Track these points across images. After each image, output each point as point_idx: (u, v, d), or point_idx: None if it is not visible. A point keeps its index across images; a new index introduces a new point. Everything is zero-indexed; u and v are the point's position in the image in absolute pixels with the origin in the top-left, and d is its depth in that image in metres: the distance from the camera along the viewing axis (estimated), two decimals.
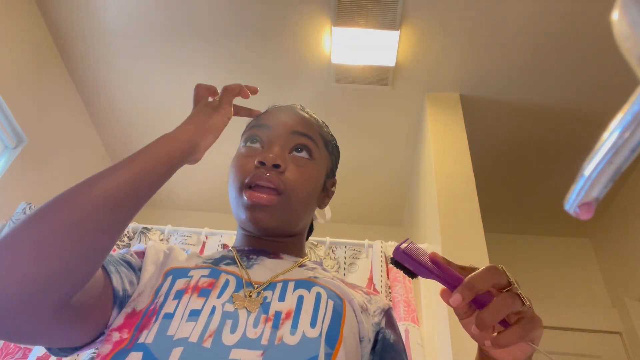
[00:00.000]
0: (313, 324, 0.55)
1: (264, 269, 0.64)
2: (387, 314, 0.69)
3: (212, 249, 1.73)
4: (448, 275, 0.52)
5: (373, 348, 0.64)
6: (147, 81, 2.22)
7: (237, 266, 0.64)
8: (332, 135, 0.82)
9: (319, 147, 0.73)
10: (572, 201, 0.30)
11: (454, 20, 1.87)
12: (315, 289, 0.60)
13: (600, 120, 2.15)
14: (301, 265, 0.69)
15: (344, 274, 1.70)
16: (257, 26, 1.97)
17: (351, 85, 2.12)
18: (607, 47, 1.88)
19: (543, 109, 2.15)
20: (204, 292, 0.57)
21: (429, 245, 1.80)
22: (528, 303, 0.47)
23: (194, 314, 0.54)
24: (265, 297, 0.58)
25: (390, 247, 1.72)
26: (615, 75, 1.97)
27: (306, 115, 0.78)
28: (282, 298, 0.58)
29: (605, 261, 2.62)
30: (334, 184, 0.81)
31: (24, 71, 1.96)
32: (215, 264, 0.64)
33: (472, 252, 1.57)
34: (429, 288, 1.68)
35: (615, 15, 0.27)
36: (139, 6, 1.95)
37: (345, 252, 1.75)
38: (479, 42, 1.94)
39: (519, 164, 2.41)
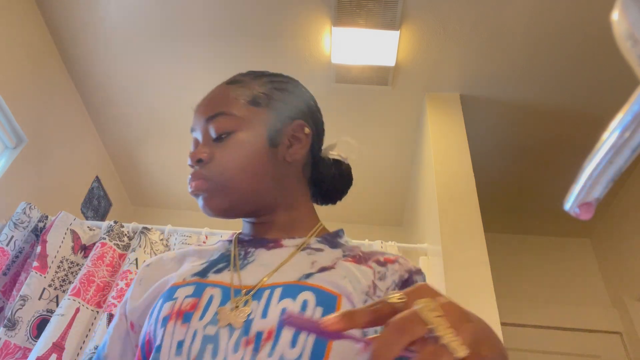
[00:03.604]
0: (294, 343, 0.51)
1: (258, 267, 0.62)
2: (405, 284, 0.62)
3: None
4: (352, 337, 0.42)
5: None
6: (147, 81, 2.22)
7: (230, 269, 0.62)
8: (266, 80, 0.75)
9: (238, 112, 0.68)
10: (572, 201, 0.30)
11: (454, 20, 1.87)
12: (302, 296, 0.55)
13: (600, 120, 2.15)
14: (304, 249, 0.65)
15: None
16: (257, 26, 1.97)
17: (351, 85, 2.12)
18: (607, 47, 1.88)
19: (543, 109, 2.15)
20: (186, 317, 0.55)
21: (429, 245, 1.80)
22: (464, 352, 0.34)
23: (180, 346, 0.53)
24: (250, 313, 0.55)
25: (390, 247, 1.72)
26: (615, 75, 1.97)
27: (219, 89, 0.73)
28: (264, 314, 0.54)
29: (605, 261, 2.62)
30: (299, 127, 0.71)
31: (24, 71, 1.96)
32: (204, 274, 0.62)
33: (472, 252, 1.57)
34: None
35: (615, 15, 0.27)
36: (139, 7, 1.95)
37: None
38: (479, 42, 1.94)
39: (519, 164, 2.41)
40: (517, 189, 2.55)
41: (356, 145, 0.84)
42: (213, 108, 0.69)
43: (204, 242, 1.78)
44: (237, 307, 0.55)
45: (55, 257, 1.63)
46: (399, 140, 2.36)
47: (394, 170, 2.51)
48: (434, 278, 1.63)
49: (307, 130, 0.72)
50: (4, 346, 1.42)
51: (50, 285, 1.58)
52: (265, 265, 0.62)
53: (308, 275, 0.58)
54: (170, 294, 0.59)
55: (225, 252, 0.67)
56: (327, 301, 0.55)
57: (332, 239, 0.69)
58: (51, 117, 2.13)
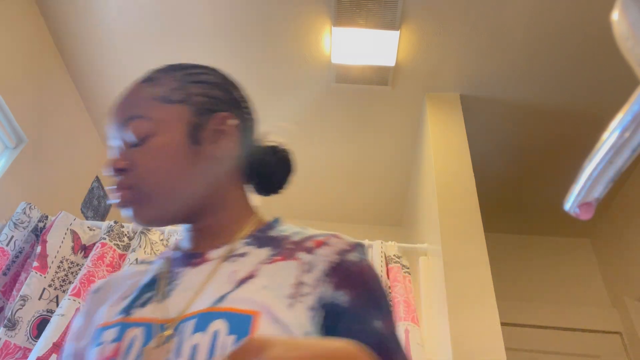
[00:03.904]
0: None
1: (183, 293, 0.56)
2: (336, 270, 0.57)
3: None
4: None
5: (327, 331, 0.54)
6: None
7: (155, 299, 0.57)
8: (179, 75, 0.68)
9: (154, 113, 0.63)
10: (572, 201, 0.30)
11: (454, 20, 1.87)
12: (213, 326, 0.50)
13: (600, 120, 2.15)
14: (229, 257, 0.59)
15: None
16: (257, 26, 1.97)
17: (351, 85, 2.12)
18: (607, 47, 1.88)
19: (543, 109, 2.15)
20: None
21: (429, 245, 1.80)
22: None
23: None
24: (172, 351, 0.51)
25: (390, 247, 1.72)
26: (615, 75, 1.97)
27: (132, 89, 0.68)
28: (178, 353, 0.50)
29: (605, 261, 2.62)
30: (222, 119, 0.65)
31: (24, 71, 1.96)
32: (129, 311, 0.57)
33: (472, 252, 1.57)
34: (429, 288, 1.68)
35: (615, 15, 0.27)
36: (140, 7, 1.95)
37: None
38: (479, 42, 1.94)
39: (519, 164, 2.41)
40: (517, 189, 2.55)
41: (284, 126, 0.78)
42: (127, 111, 0.64)
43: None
44: (160, 344, 0.51)
45: (55, 257, 1.63)
46: (399, 140, 2.36)
47: (394, 170, 2.51)
48: (434, 278, 1.63)
49: (231, 121, 0.66)
50: (4, 346, 1.42)
51: (50, 286, 1.58)
52: (190, 289, 0.57)
53: (222, 298, 0.53)
54: (97, 338, 0.56)
55: (157, 273, 0.62)
56: (241, 325, 0.50)
57: (262, 235, 0.64)
58: (51, 117, 2.13)
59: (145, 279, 0.63)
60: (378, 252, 1.67)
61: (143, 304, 0.58)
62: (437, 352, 1.48)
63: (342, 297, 0.55)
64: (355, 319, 0.54)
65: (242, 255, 0.60)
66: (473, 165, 1.85)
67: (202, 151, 0.63)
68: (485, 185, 2.11)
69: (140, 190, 0.60)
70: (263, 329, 0.50)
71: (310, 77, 2.12)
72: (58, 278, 1.61)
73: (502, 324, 1.40)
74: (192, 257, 0.62)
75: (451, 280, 1.49)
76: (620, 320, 2.41)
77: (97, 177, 2.47)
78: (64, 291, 1.60)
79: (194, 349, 0.49)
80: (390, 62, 1.99)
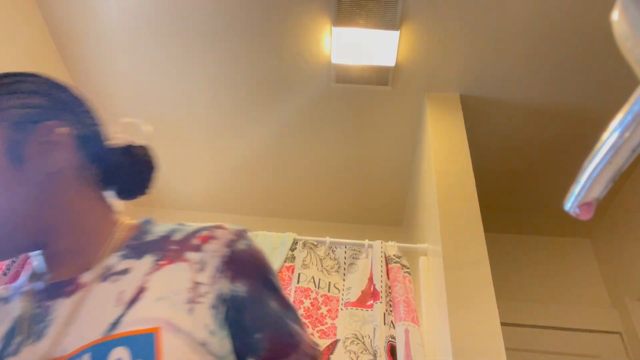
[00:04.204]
0: None
1: (63, 328, 0.50)
2: (228, 263, 0.56)
3: None
4: None
5: (233, 323, 0.54)
6: (147, 81, 2.22)
7: (28, 343, 0.51)
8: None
9: None
10: (572, 201, 0.30)
11: (454, 20, 1.87)
12: (114, 355, 0.46)
13: (600, 120, 2.15)
14: (105, 277, 0.54)
15: (344, 274, 1.70)
16: (257, 26, 1.97)
17: (351, 85, 2.12)
18: (608, 47, 1.88)
19: (543, 109, 2.15)
20: None
21: (429, 245, 1.80)
22: None
23: None
24: None
25: (390, 247, 1.72)
26: (615, 75, 1.97)
27: None
28: None
29: (605, 261, 2.62)
30: (47, 130, 0.57)
31: (23, 70, 1.96)
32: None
33: (472, 252, 1.57)
34: (429, 288, 1.68)
35: (615, 15, 0.27)
36: (140, 7, 1.95)
37: (345, 252, 1.75)
38: (479, 42, 1.94)
39: (519, 164, 2.41)
40: (517, 189, 2.55)
41: (142, 124, 0.68)
42: None
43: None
44: None
45: None
46: (399, 140, 2.36)
47: (394, 170, 2.51)
48: (434, 278, 1.63)
49: (60, 129, 0.58)
50: None
51: None
52: (70, 322, 0.50)
53: (115, 324, 0.49)
54: None
55: (20, 313, 0.54)
56: (144, 346, 0.47)
57: (138, 243, 0.58)
58: None
59: (6, 324, 0.54)
60: (378, 252, 1.67)
61: (15, 352, 0.50)
62: (437, 352, 1.48)
63: (239, 288, 0.55)
64: (255, 305, 0.56)
65: (124, 272, 0.54)
66: (473, 165, 1.85)
67: (30, 169, 0.55)
68: (485, 185, 2.11)
69: None
70: (167, 343, 0.47)
71: (310, 77, 2.12)
72: None
73: (502, 324, 1.40)
74: (61, 285, 0.54)
75: (451, 280, 1.49)
76: (620, 320, 2.41)
77: None
78: None
79: None
80: (390, 62, 1.99)
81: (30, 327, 0.52)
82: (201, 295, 0.52)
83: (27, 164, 0.55)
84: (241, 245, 0.58)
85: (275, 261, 1.69)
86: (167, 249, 0.57)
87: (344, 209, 2.75)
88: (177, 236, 0.59)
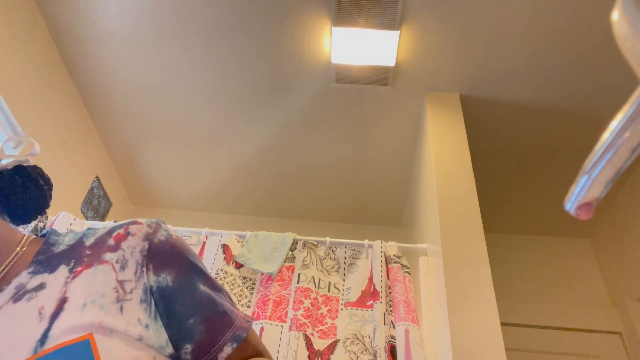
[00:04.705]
0: None
1: None
2: (148, 256, 0.56)
3: (212, 249, 1.73)
4: None
5: (164, 312, 0.55)
6: (147, 81, 2.22)
7: None
8: None
9: None
10: (572, 201, 0.30)
11: (454, 20, 1.87)
12: None
13: (600, 120, 2.15)
14: (18, 296, 0.50)
15: (344, 274, 1.70)
16: (257, 26, 1.97)
17: (351, 85, 2.12)
18: (607, 47, 1.88)
19: (543, 109, 2.15)
20: None
21: (429, 245, 1.80)
22: None
23: None
24: None
25: (390, 247, 1.72)
26: (615, 75, 1.97)
27: None
28: None
29: (605, 261, 2.62)
30: None
31: (24, 71, 1.96)
32: None
33: (472, 252, 1.57)
34: (429, 288, 1.68)
35: (615, 16, 0.27)
36: (139, 7, 1.95)
37: (345, 252, 1.75)
38: (479, 42, 1.94)
39: (519, 164, 2.41)
40: (517, 189, 2.55)
41: (29, 139, 0.64)
42: None
43: (204, 243, 1.78)
44: None
45: None
46: (399, 140, 2.36)
47: (394, 170, 2.51)
48: (434, 278, 1.63)
49: None
50: None
51: None
52: None
53: (43, 340, 0.46)
54: None
55: None
56: (82, 355, 0.45)
57: (46, 257, 0.55)
58: (51, 117, 2.13)
59: None
60: (378, 252, 1.67)
61: None
62: (437, 352, 1.48)
63: (165, 279, 0.56)
64: (184, 292, 0.56)
65: (38, 288, 0.51)
66: (473, 165, 1.85)
67: None
68: (485, 185, 2.11)
69: None
70: (104, 346, 0.47)
71: (310, 77, 2.12)
72: None
73: (502, 324, 1.40)
74: None
75: (451, 280, 1.49)
76: (620, 320, 2.41)
77: (97, 177, 2.47)
78: None
79: None
80: (390, 62, 1.99)
81: None
82: (128, 292, 0.52)
83: None
84: (159, 236, 0.58)
85: (276, 261, 1.69)
86: (81, 256, 0.54)
87: (344, 209, 2.75)
88: (90, 240, 0.57)
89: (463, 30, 1.90)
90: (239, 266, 1.71)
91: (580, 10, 1.80)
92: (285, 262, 1.70)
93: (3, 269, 0.53)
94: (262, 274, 1.69)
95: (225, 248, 1.73)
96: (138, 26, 2.02)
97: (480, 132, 2.25)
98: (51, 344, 0.45)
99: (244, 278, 1.68)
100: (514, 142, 2.31)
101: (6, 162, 0.62)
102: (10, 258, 0.55)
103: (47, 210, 0.66)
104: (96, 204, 2.46)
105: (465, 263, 1.54)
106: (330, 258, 1.74)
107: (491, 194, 2.47)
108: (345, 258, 1.74)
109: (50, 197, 0.66)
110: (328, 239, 1.76)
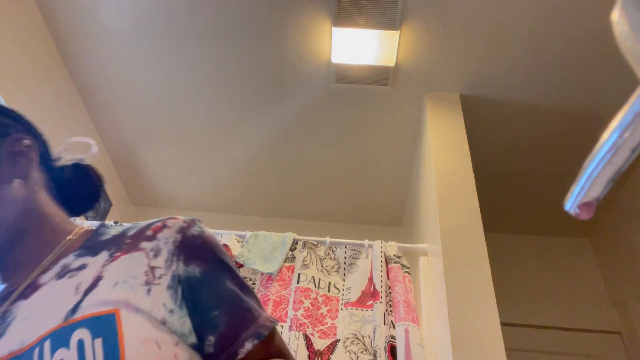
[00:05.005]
0: None
1: (21, 324, 0.53)
2: (181, 247, 0.59)
3: None
4: None
5: (190, 303, 0.57)
6: (147, 81, 2.22)
7: None
8: None
9: None
10: (572, 201, 0.30)
11: (454, 20, 1.87)
12: (75, 337, 0.49)
13: (600, 120, 2.15)
14: (62, 274, 0.57)
15: (344, 274, 1.70)
16: (257, 26, 1.97)
17: (351, 85, 2.12)
18: (608, 47, 1.88)
19: (543, 109, 2.15)
20: None
21: (429, 245, 1.80)
22: None
23: None
24: None
25: (390, 247, 1.72)
26: (615, 75, 1.97)
27: None
28: None
29: (605, 261, 2.62)
30: (15, 141, 0.66)
31: (23, 71, 1.96)
32: None
33: (472, 252, 1.57)
34: (429, 288, 1.68)
35: (615, 15, 0.27)
36: (139, 7, 1.95)
37: (345, 252, 1.75)
38: (479, 42, 1.94)
39: (519, 164, 2.41)
40: (517, 189, 2.55)
41: (90, 142, 0.74)
42: None
43: None
44: None
45: None
46: (399, 140, 2.36)
47: (394, 170, 2.51)
48: (434, 278, 1.63)
49: (26, 142, 0.67)
50: None
51: None
52: (28, 318, 0.54)
53: (73, 310, 0.51)
54: None
55: None
56: (105, 326, 0.50)
57: (92, 244, 0.62)
58: (51, 117, 2.13)
59: None
60: (378, 252, 1.67)
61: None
62: (437, 352, 1.48)
63: (194, 270, 0.59)
64: (211, 284, 0.59)
65: (80, 268, 0.57)
66: (473, 165, 1.85)
67: (2, 175, 0.62)
68: (485, 185, 2.11)
69: None
70: (128, 322, 0.50)
71: (310, 77, 2.12)
72: None
73: (502, 324, 1.40)
74: (18, 290, 0.58)
75: (451, 280, 1.49)
76: (620, 320, 2.41)
77: None
78: None
79: None
80: (390, 62, 1.99)
81: None
82: (158, 277, 0.56)
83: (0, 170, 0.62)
84: (193, 231, 0.62)
85: (275, 261, 1.69)
86: (122, 244, 0.60)
87: (344, 209, 2.75)
88: (132, 232, 0.62)
89: (463, 30, 1.90)
90: (239, 266, 1.71)
91: (580, 10, 1.80)
92: (285, 262, 1.70)
93: (55, 253, 0.61)
94: (262, 274, 1.69)
95: (225, 248, 1.73)
96: (138, 26, 2.02)
97: (480, 132, 2.25)
98: (80, 313, 0.50)
99: (244, 278, 1.67)
100: (514, 142, 2.31)
101: (67, 159, 0.72)
102: (62, 244, 0.63)
103: (94, 205, 0.75)
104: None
105: (465, 263, 1.54)
106: (330, 258, 1.74)
107: (491, 194, 2.47)
108: (345, 258, 1.74)
109: (102, 192, 0.75)
110: (328, 239, 1.76)
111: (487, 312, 1.41)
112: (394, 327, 1.48)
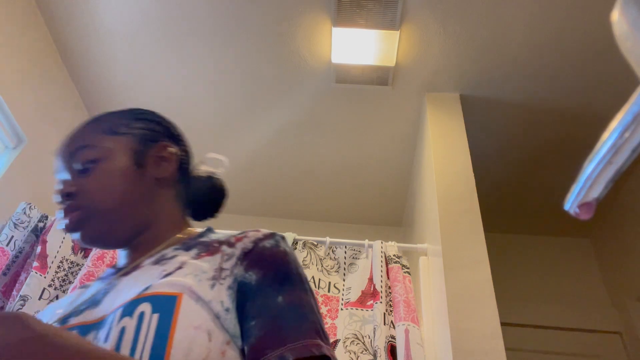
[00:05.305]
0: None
1: (114, 295, 0.63)
2: (248, 254, 0.63)
3: None
4: None
5: (239, 308, 0.59)
6: (147, 81, 2.22)
7: (89, 308, 0.64)
8: (122, 114, 0.77)
9: (101, 142, 0.71)
10: (572, 201, 0.30)
11: (454, 20, 1.87)
12: (139, 309, 0.56)
13: (600, 120, 2.15)
14: (157, 261, 0.66)
15: (344, 274, 1.70)
16: (257, 26, 1.97)
17: (351, 85, 2.12)
18: (608, 47, 1.88)
19: (543, 109, 2.15)
20: None
21: (429, 245, 1.80)
22: None
23: None
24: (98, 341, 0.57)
25: (390, 247, 1.72)
26: (615, 75, 1.97)
27: (78, 128, 0.75)
28: (107, 338, 0.56)
29: (605, 261, 2.62)
30: (162, 147, 0.76)
31: (24, 71, 1.96)
32: (65, 319, 0.64)
33: (472, 252, 1.57)
34: (429, 288, 1.68)
35: (615, 15, 0.27)
36: (139, 7, 1.95)
37: (345, 252, 1.75)
38: (479, 42, 1.94)
39: (519, 163, 2.41)
40: (517, 189, 2.55)
41: (223, 160, 0.87)
42: (75, 144, 0.72)
43: None
44: (91, 339, 0.58)
45: (55, 257, 1.63)
46: (399, 140, 2.36)
47: (394, 171, 2.51)
48: (434, 278, 1.63)
49: (171, 149, 0.77)
50: None
51: (50, 286, 1.58)
52: (119, 291, 0.63)
53: (147, 287, 0.59)
54: None
55: (96, 290, 0.69)
56: (165, 305, 0.56)
57: (191, 243, 0.69)
58: (51, 117, 2.13)
59: (82, 297, 0.69)
60: (378, 252, 1.67)
61: (78, 314, 0.64)
62: (437, 352, 1.48)
63: (250, 277, 0.61)
64: (259, 294, 0.60)
65: (171, 258, 0.65)
66: (473, 165, 1.85)
67: (145, 173, 0.73)
68: (485, 185, 2.11)
69: (88, 209, 0.68)
70: (186, 306, 0.56)
71: (310, 77, 2.12)
72: (58, 278, 1.61)
73: (502, 324, 1.40)
74: (126, 268, 0.69)
75: (451, 280, 1.49)
76: (620, 320, 2.41)
77: None
78: (64, 291, 1.60)
79: (122, 331, 0.55)
80: (390, 62, 1.99)
81: (95, 298, 0.65)
82: (223, 277, 0.61)
83: (144, 169, 0.73)
84: (266, 243, 0.65)
85: None
86: (211, 246, 0.67)
87: (344, 209, 2.75)
88: (223, 238, 0.69)
89: (463, 30, 1.90)
90: None
91: (580, 10, 1.80)
92: None
93: (164, 244, 0.70)
94: None
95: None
96: (138, 28, 2.02)
97: (480, 132, 2.25)
98: (150, 290, 0.58)
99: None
100: (514, 142, 2.31)
101: (203, 171, 0.85)
102: (172, 239, 0.72)
103: (215, 214, 0.86)
104: None
105: (465, 263, 1.54)
106: (330, 258, 1.74)
107: (491, 194, 2.47)
108: (345, 258, 1.74)
109: (224, 205, 0.85)
110: (328, 239, 1.76)
111: (487, 312, 1.41)
112: (394, 327, 1.48)
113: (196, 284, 0.59)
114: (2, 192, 1.85)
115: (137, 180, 0.71)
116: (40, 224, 1.74)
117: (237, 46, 2.04)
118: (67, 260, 1.66)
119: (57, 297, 1.58)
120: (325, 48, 2.00)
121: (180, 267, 0.62)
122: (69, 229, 0.68)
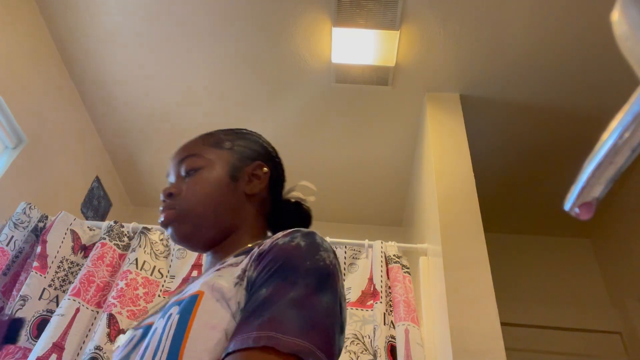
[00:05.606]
0: (154, 356, 0.56)
1: (174, 298, 0.68)
2: (261, 254, 0.62)
3: None
4: None
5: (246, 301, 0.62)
6: (147, 81, 2.22)
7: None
8: (230, 132, 0.87)
9: (205, 154, 0.81)
10: (572, 201, 0.30)
11: (454, 20, 1.87)
12: (169, 311, 0.61)
13: (600, 120, 2.15)
14: (217, 268, 0.67)
15: (344, 274, 1.70)
16: (257, 26, 1.97)
17: (351, 85, 2.12)
18: (607, 47, 1.88)
19: (543, 109, 2.15)
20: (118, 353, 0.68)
21: (429, 245, 1.80)
22: None
23: None
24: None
25: (390, 247, 1.72)
26: (615, 75, 1.97)
27: (191, 140, 0.87)
28: (148, 338, 0.62)
29: (605, 261, 2.62)
30: (258, 166, 0.84)
31: (24, 71, 1.96)
32: (145, 319, 0.71)
33: (472, 252, 1.57)
34: (429, 288, 1.68)
35: (615, 15, 0.27)
36: (140, 7, 1.95)
37: (345, 252, 1.75)
38: (479, 42, 1.94)
39: (519, 163, 2.41)
40: (517, 189, 2.55)
41: (314, 188, 0.91)
42: (185, 152, 0.84)
43: None
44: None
45: (55, 257, 1.63)
46: (399, 140, 2.36)
47: (394, 170, 2.51)
48: (434, 278, 1.63)
49: (265, 169, 0.84)
50: (4, 347, 1.42)
51: (50, 286, 1.58)
52: (178, 294, 0.68)
53: (185, 291, 0.64)
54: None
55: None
56: (187, 306, 0.59)
57: (248, 250, 0.68)
58: (51, 117, 2.13)
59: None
60: (378, 252, 1.67)
61: (153, 314, 0.70)
62: (437, 352, 1.48)
63: (257, 274, 0.60)
64: (255, 290, 0.58)
65: (232, 265, 0.67)
66: (473, 165, 1.85)
67: (238, 187, 0.80)
68: (485, 185, 2.11)
69: (181, 210, 0.75)
70: (205, 305, 0.58)
71: (310, 77, 2.12)
72: (58, 278, 1.61)
73: (502, 324, 1.40)
74: (202, 273, 0.72)
75: (451, 280, 1.49)
76: (620, 320, 2.41)
77: (97, 177, 2.47)
78: (64, 291, 1.60)
79: (154, 331, 0.60)
80: (390, 62, 1.99)
81: (166, 300, 0.72)
82: (242, 279, 0.62)
83: (237, 183, 0.80)
84: (281, 241, 0.63)
85: None
86: (252, 252, 0.68)
87: (344, 209, 2.75)
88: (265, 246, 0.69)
89: (463, 30, 1.90)
90: None
91: (580, 11, 1.80)
92: None
93: (235, 252, 0.71)
94: None
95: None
96: (138, 27, 2.02)
97: (480, 132, 2.25)
98: (183, 294, 0.63)
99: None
100: (514, 142, 2.31)
101: (293, 196, 0.90)
102: (243, 248, 0.72)
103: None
104: (96, 204, 2.46)
105: (465, 263, 1.54)
106: None
107: (491, 194, 2.46)
108: (345, 258, 1.74)
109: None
110: (328, 239, 1.76)
111: (487, 312, 1.41)
112: (394, 327, 1.48)
113: (221, 281, 0.61)
114: (2, 192, 1.85)
115: (229, 192, 0.78)
116: (40, 224, 1.74)
117: (237, 47, 2.04)
118: (67, 260, 1.66)
119: (57, 297, 1.58)
120: (325, 48, 2.00)
121: (218, 269, 0.65)
122: (163, 224, 0.76)
